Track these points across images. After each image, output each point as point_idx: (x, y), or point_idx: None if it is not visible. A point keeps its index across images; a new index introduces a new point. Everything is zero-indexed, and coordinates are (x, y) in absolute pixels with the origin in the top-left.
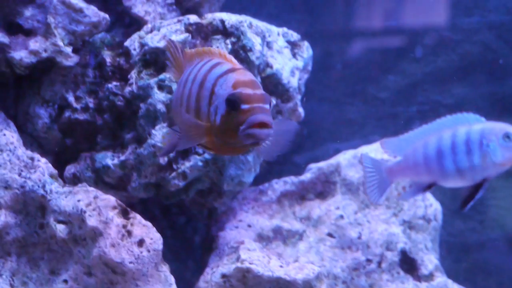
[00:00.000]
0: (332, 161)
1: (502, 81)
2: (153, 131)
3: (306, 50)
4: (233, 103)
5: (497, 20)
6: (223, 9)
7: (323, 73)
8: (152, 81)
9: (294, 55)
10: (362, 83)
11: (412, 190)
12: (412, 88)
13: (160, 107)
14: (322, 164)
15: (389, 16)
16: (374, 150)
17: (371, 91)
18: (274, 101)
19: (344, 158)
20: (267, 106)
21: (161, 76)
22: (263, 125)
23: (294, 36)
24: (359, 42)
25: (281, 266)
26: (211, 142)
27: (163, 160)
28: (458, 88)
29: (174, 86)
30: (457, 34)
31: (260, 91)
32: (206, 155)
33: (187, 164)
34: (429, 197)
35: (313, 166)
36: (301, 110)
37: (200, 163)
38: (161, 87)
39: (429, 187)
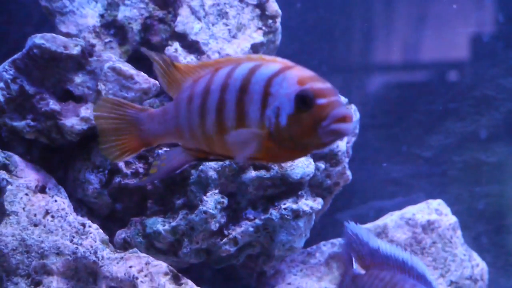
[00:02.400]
0: (379, 222)
1: None
2: (204, 198)
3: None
4: (306, 99)
5: None
6: None
7: (369, 133)
8: None
9: None
10: (406, 143)
11: None
12: (456, 147)
13: (212, 174)
14: (369, 225)
15: (433, 74)
16: (421, 211)
17: (415, 150)
18: (323, 166)
19: (391, 219)
20: (341, 100)
21: None
22: (347, 118)
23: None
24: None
25: None
26: (265, 150)
27: (214, 226)
28: (501, 147)
29: None
30: (500, 93)
31: (329, 85)
32: (257, 221)
33: (238, 230)
34: (476, 257)
35: None
36: (349, 173)
37: (251, 229)
38: None
39: None
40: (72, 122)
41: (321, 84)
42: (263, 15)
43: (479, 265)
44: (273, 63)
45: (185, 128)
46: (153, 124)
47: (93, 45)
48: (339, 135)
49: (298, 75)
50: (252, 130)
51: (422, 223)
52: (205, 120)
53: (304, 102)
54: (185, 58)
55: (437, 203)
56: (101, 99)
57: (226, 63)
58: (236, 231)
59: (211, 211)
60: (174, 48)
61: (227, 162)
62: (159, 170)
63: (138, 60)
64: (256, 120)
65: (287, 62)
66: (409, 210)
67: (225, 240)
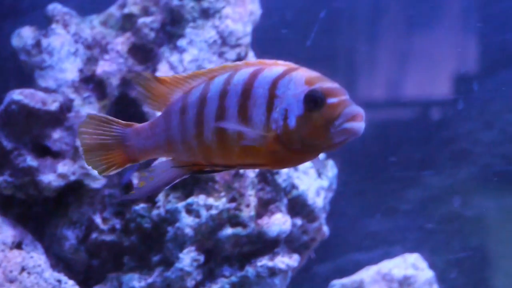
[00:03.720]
0: (356, 277)
1: None
2: (180, 255)
3: (331, 169)
4: (317, 98)
5: None
6: None
7: (346, 187)
8: (180, 205)
9: (319, 174)
10: (384, 196)
11: None
12: (434, 201)
13: (188, 231)
14: (346, 280)
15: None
16: (397, 266)
17: (393, 203)
18: (300, 222)
19: (368, 274)
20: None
21: (189, 200)
22: (359, 117)
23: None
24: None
25: None
26: (271, 155)
27: (190, 284)
28: (479, 201)
29: (203, 210)
30: (477, 147)
31: (337, 84)
32: (233, 278)
33: (214, 287)
34: None
35: (337, 282)
36: (325, 228)
37: (227, 286)
38: (189, 211)
39: None
40: (49, 178)
41: (330, 84)
42: None
43: None
44: (276, 66)
45: (177, 140)
46: (139, 139)
47: (71, 100)
48: (352, 134)
49: (305, 76)
50: (259, 133)
51: (398, 279)
52: (203, 130)
53: (314, 102)
54: None
55: (414, 258)
56: (87, 116)
57: (221, 71)
58: None
59: (187, 268)
60: None
61: (203, 219)
62: (147, 184)
63: (117, 115)
64: (261, 124)
65: (290, 64)
66: (386, 265)
67: None
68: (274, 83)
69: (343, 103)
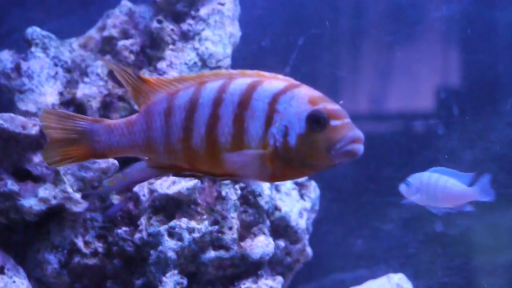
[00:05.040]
0: None
1: (505, 211)
2: (164, 279)
3: (314, 190)
4: (320, 119)
5: (500, 151)
6: None
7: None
8: (163, 228)
9: (301, 196)
10: (367, 215)
11: None
12: (417, 220)
13: (171, 254)
14: None
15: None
16: (381, 286)
17: (376, 223)
18: (283, 244)
19: None
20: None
21: (172, 223)
22: (359, 140)
23: None
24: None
25: None
26: (266, 170)
27: None
28: (463, 220)
29: (185, 234)
30: (461, 166)
31: (339, 106)
32: None
33: None
34: None
35: None
36: (309, 250)
37: None
38: (171, 234)
39: None
40: (30, 202)
41: (332, 105)
42: None
43: None
44: (276, 80)
45: (159, 142)
46: (112, 136)
47: None
48: (353, 156)
49: (308, 95)
50: (256, 152)
51: None
52: (191, 135)
53: (317, 122)
54: None
55: (398, 277)
56: (43, 111)
57: (213, 77)
58: None
59: None
60: None
61: (186, 243)
62: (117, 182)
63: None
64: (257, 137)
65: (291, 80)
66: (370, 285)
67: None
68: (275, 98)
69: (346, 126)
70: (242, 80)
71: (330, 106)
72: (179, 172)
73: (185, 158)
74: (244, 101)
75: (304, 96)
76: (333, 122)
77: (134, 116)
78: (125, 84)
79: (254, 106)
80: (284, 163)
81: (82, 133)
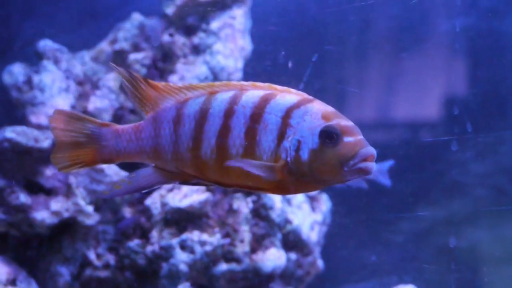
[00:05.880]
0: None
1: None
2: None
3: (325, 203)
4: (334, 135)
5: (509, 164)
6: None
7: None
8: (174, 241)
9: (313, 209)
10: (378, 228)
11: None
12: (428, 232)
13: (183, 267)
14: None
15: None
16: None
17: (387, 235)
18: (294, 256)
19: None
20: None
21: (184, 236)
22: (372, 158)
23: None
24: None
25: None
26: (274, 181)
27: None
28: (472, 232)
29: (197, 246)
30: (470, 179)
31: (352, 122)
32: None
33: None
34: None
35: None
36: (320, 262)
37: None
38: (183, 247)
39: None
40: (42, 215)
41: (346, 122)
42: None
43: None
44: (289, 94)
45: (167, 150)
46: (119, 141)
47: None
48: (365, 174)
49: (321, 110)
50: (267, 164)
51: None
52: (201, 145)
53: (331, 138)
54: None
55: None
56: (54, 111)
57: (224, 88)
58: None
59: None
60: None
61: (198, 255)
62: (123, 187)
63: None
64: (270, 150)
65: (304, 94)
66: None
67: None
68: (288, 112)
69: (359, 143)
70: (254, 92)
71: (343, 122)
72: (186, 180)
73: (193, 167)
74: (257, 114)
75: (318, 111)
76: (347, 139)
77: (142, 122)
78: (131, 91)
79: (267, 119)
80: (296, 177)
81: (90, 137)
